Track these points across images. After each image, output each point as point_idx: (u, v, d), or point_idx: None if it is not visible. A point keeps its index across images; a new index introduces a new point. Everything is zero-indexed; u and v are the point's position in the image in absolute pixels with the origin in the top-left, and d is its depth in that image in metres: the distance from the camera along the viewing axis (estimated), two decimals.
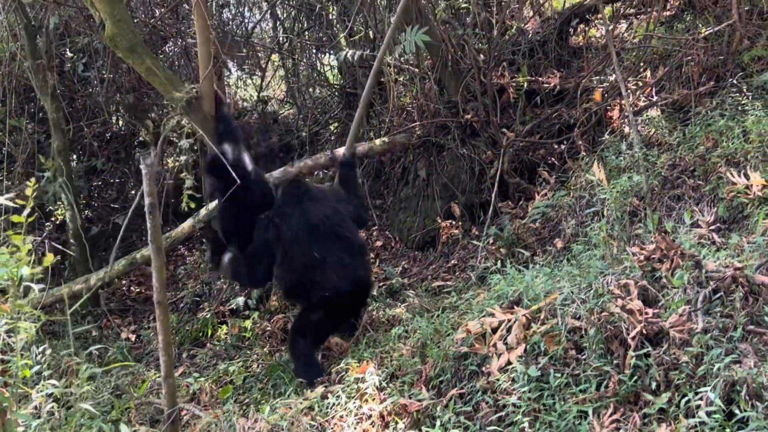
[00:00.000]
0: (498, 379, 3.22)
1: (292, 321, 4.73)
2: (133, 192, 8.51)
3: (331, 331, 4.86)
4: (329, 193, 5.14)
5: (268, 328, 5.55)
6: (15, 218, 3.22)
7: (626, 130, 5.78)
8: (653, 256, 3.41)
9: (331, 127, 8.99)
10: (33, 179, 3.41)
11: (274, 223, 4.73)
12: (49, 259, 3.27)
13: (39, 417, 3.28)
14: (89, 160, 8.16)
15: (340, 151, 6.00)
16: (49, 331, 6.06)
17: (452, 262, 6.08)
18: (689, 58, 5.80)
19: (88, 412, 3.45)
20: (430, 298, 5.35)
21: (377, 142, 6.80)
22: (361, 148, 6.72)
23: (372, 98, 7.52)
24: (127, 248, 7.53)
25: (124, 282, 7.38)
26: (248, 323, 5.68)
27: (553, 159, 6.37)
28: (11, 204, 3.24)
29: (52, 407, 3.40)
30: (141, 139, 8.56)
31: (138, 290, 7.46)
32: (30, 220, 3.22)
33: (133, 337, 6.41)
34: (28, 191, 3.28)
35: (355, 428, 3.49)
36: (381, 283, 6.01)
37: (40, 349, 3.73)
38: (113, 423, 3.84)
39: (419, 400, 3.40)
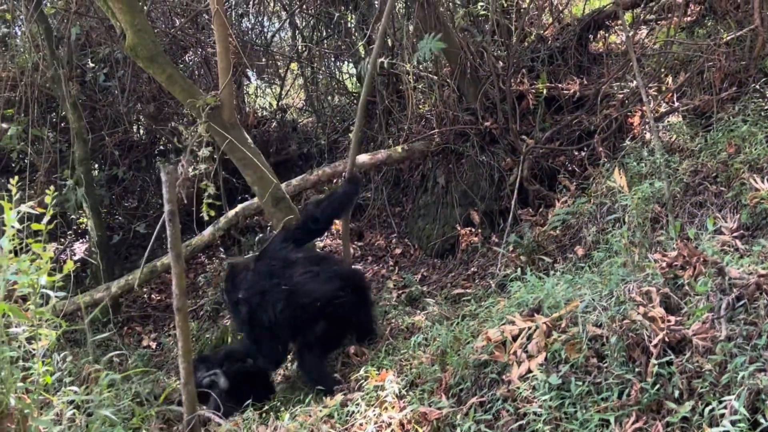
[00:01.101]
0: (518, 388, 3.19)
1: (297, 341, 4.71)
2: (154, 200, 8.57)
3: (337, 339, 4.81)
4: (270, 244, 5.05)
5: None
6: (35, 226, 3.25)
7: (647, 136, 5.74)
8: (675, 263, 3.37)
9: (350, 135, 9.01)
10: (52, 187, 3.43)
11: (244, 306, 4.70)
12: (69, 266, 3.29)
13: (60, 424, 3.29)
14: (110, 169, 8.23)
15: (362, 158, 6.00)
16: (70, 338, 6.10)
17: (472, 269, 6.05)
18: (711, 63, 5.75)
19: (109, 419, 3.45)
20: (449, 305, 5.32)
21: (396, 149, 6.79)
22: (380, 155, 6.72)
23: (390, 106, 7.53)
24: (148, 256, 7.57)
25: (144, 290, 7.42)
26: None
27: (573, 166, 6.34)
28: (33, 211, 3.26)
29: (73, 414, 3.41)
30: (161, 147, 8.62)
31: (158, 298, 7.50)
32: (50, 227, 3.24)
33: (153, 345, 6.44)
34: (48, 199, 3.30)
35: None
36: (400, 291, 5.99)
37: (61, 356, 3.75)
38: (134, 430, 3.85)
39: (439, 409, 3.38)
